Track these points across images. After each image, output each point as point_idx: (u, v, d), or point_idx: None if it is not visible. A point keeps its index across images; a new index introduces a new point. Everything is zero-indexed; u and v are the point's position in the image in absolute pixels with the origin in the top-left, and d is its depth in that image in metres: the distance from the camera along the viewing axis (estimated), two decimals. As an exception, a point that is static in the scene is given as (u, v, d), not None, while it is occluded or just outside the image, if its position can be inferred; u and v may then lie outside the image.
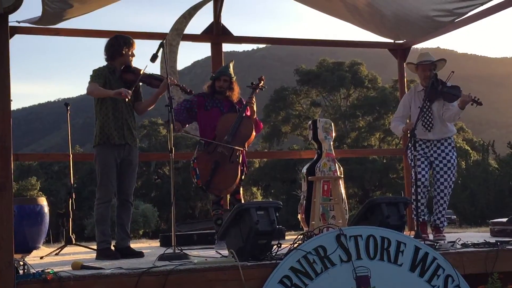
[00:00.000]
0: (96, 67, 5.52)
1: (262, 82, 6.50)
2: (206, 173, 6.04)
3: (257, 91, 6.46)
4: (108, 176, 5.33)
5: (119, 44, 5.50)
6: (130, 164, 5.49)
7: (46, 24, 7.42)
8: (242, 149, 6.17)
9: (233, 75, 6.33)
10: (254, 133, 6.30)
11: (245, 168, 6.30)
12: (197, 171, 6.09)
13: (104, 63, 5.58)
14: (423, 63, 6.52)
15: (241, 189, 6.33)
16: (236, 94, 6.36)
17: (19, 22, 7.20)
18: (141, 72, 5.49)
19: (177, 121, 6.04)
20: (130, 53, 5.54)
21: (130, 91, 5.30)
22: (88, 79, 5.41)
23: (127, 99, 5.30)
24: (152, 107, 5.75)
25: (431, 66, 6.49)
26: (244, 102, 6.35)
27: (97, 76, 5.40)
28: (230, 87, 6.31)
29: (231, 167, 6.11)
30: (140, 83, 5.60)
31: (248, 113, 6.28)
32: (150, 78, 5.55)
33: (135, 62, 5.63)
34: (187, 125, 6.43)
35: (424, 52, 6.69)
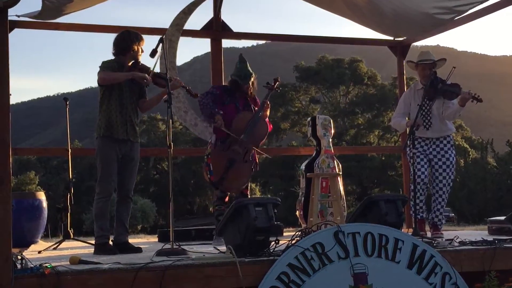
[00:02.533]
0: (103, 60, 5.51)
1: (277, 83, 6.51)
2: (220, 170, 6.04)
3: (272, 91, 6.47)
4: (109, 171, 5.33)
5: (130, 39, 5.49)
6: (132, 160, 5.49)
7: (45, 18, 7.41)
8: (256, 148, 6.21)
9: (253, 73, 6.31)
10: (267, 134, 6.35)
11: (256, 164, 6.32)
12: (211, 167, 6.09)
13: (107, 57, 5.57)
14: (423, 62, 6.52)
15: (248, 184, 6.35)
16: (253, 90, 6.38)
17: (18, 16, 7.18)
18: (150, 71, 5.49)
19: (219, 114, 6.03)
20: (140, 49, 5.53)
21: (150, 79, 5.41)
22: (98, 70, 5.39)
23: (146, 86, 5.44)
24: (155, 106, 5.75)
25: (431, 65, 6.49)
26: (258, 101, 6.36)
27: (107, 67, 5.39)
28: (252, 86, 6.34)
29: (245, 166, 6.14)
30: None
31: (266, 113, 6.30)
32: (157, 77, 5.54)
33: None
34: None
35: (425, 50, 6.69)
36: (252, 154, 6.26)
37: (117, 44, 5.52)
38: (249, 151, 6.17)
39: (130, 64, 5.50)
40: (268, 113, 6.39)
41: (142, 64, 5.56)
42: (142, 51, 5.57)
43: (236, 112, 6.20)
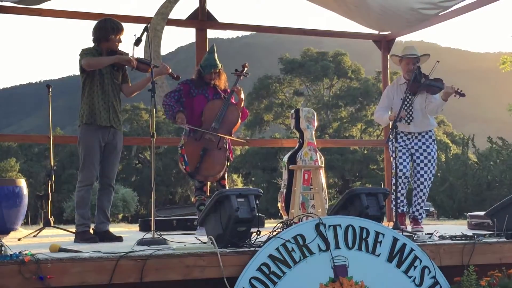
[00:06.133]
0: (85, 47, 5.48)
1: (245, 69, 6.52)
2: (194, 159, 6.05)
3: (241, 78, 6.47)
4: (92, 159, 5.30)
5: (106, 28, 5.44)
6: (114, 148, 5.47)
7: (29, 3, 7.34)
8: (228, 136, 6.19)
9: (219, 64, 6.30)
10: (240, 120, 6.32)
11: (230, 155, 6.32)
12: (185, 158, 6.09)
13: (90, 44, 5.53)
14: (408, 56, 6.55)
15: (226, 175, 6.34)
16: (223, 82, 6.37)
17: (1, 1, 7.11)
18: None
19: (181, 112, 6.03)
20: (117, 38, 5.48)
21: (135, 61, 5.38)
22: (79, 58, 5.33)
23: (133, 67, 5.41)
24: (140, 90, 5.72)
25: (415, 60, 6.52)
26: (229, 89, 6.35)
27: (89, 54, 5.36)
28: (218, 76, 6.32)
29: (219, 154, 6.13)
30: (127, 67, 5.56)
31: (233, 100, 6.29)
32: (139, 63, 5.51)
33: (120, 44, 5.57)
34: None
35: (409, 45, 6.72)
36: (227, 141, 6.25)
37: (95, 32, 5.49)
38: (222, 138, 6.17)
39: (108, 52, 5.45)
40: (242, 97, 6.37)
41: (121, 51, 5.52)
42: (120, 41, 5.52)
43: (206, 102, 6.21)
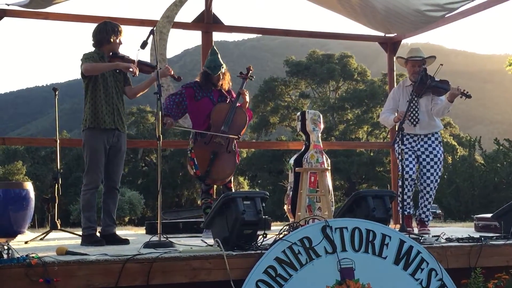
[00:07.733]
0: (86, 51, 5.50)
1: (250, 71, 6.53)
2: (204, 163, 6.05)
3: (246, 80, 6.48)
4: (97, 162, 5.31)
5: (107, 31, 5.46)
6: (119, 151, 5.47)
7: (35, 7, 7.36)
8: (237, 137, 6.21)
9: (224, 64, 6.32)
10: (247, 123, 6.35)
11: (237, 157, 6.32)
12: (195, 162, 6.10)
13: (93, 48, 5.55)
14: (413, 58, 6.54)
15: (232, 177, 6.34)
16: (227, 82, 6.38)
17: (8, 4, 7.14)
18: (131, 59, 5.47)
19: (168, 116, 6.04)
20: (117, 41, 5.50)
21: (136, 68, 5.36)
22: (80, 63, 5.35)
23: (134, 75, 5.38)
24: (143, 92, 5.74)
25: (421, 62, 6.52)
26: (233, 92, 6.36)
27: (89, 58, 5.37)
28: (223, 77, 6.33)
29: (228, 157, 6.14)
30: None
31: (246, 100, 6.32)
32: (140, 65, 5.52)
33: (125, 48, 5.60)
34: (178, 119, 6.39)
35: (415, 47, 6.71)
36: (235, 145, 6.27)
37: (94, 36, 5.50)
38: (232, 142, 6.18)
39: (110, 54, 5.47)
40: (248, 99, 6.40)
41: (122, 54, 5.52)
42: (121, 43, 5.54)
43: (211, 104, 6.21)
